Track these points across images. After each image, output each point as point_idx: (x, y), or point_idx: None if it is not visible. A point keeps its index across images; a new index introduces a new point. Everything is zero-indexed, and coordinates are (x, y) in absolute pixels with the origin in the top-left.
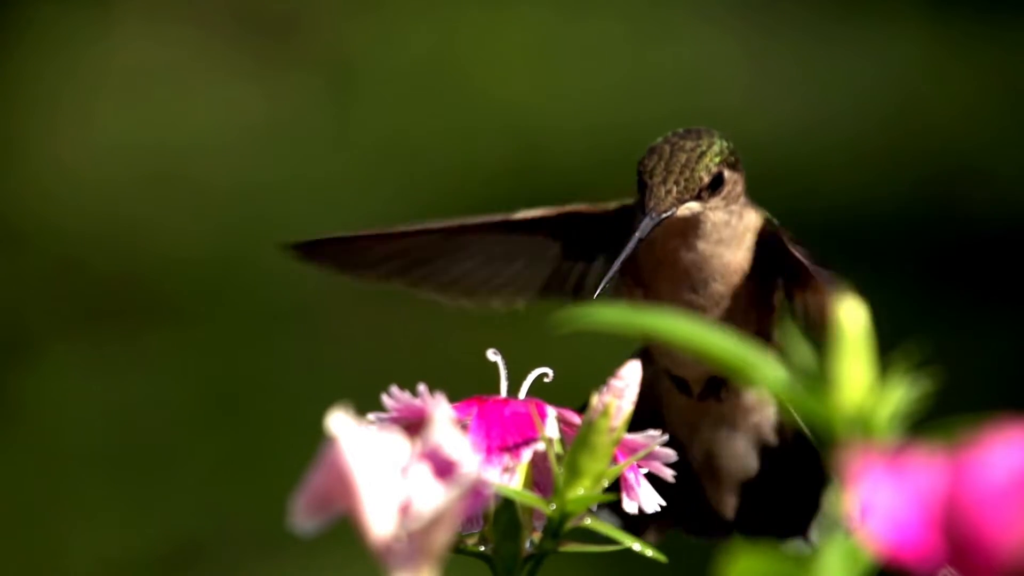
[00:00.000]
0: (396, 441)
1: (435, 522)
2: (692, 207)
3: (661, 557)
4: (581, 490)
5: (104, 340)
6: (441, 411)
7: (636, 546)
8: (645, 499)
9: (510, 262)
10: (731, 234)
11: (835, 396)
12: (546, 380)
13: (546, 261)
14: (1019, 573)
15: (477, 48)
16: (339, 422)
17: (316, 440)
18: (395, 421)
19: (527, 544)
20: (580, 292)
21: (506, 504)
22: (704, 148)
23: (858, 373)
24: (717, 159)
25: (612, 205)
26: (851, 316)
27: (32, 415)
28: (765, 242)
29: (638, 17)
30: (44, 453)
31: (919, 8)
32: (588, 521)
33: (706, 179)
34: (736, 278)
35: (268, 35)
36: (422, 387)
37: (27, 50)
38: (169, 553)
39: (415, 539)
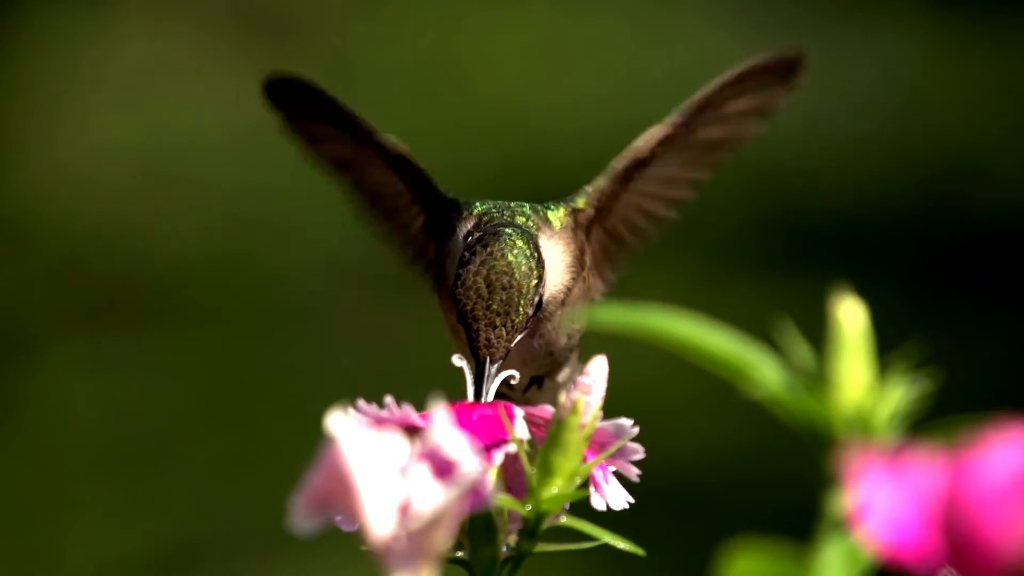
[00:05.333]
0: (396, 441)
1: (435, 522)
2: (519, 338)
3: (639, 551)
4: (555, 489)
5: (104, 340)
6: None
7: (614, 542)
8: (613, 497)
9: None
10: (556, 307)
11: (835, 396)
12: (512, 382)
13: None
14: (1019, 573)
15: (477, 48)
16: (338, 422)
17: (316, 440)
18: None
19: (503, 547)
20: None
21: None
22: (520, 280)
23: (857, 373)
24: (535, 283)
25: (445, 194)
26: (850, 316)
27: (32, 415)
28: (578, 252)
29: (638, 17)
30: (44, 453)
31: (919, 8)
32: (564, 520)
33: (530, 312)
34: (561, 311)
35: (268, 35)
36: (389, 399)
37: (27, 50)
38: (169, 553)
39: (415, 539)
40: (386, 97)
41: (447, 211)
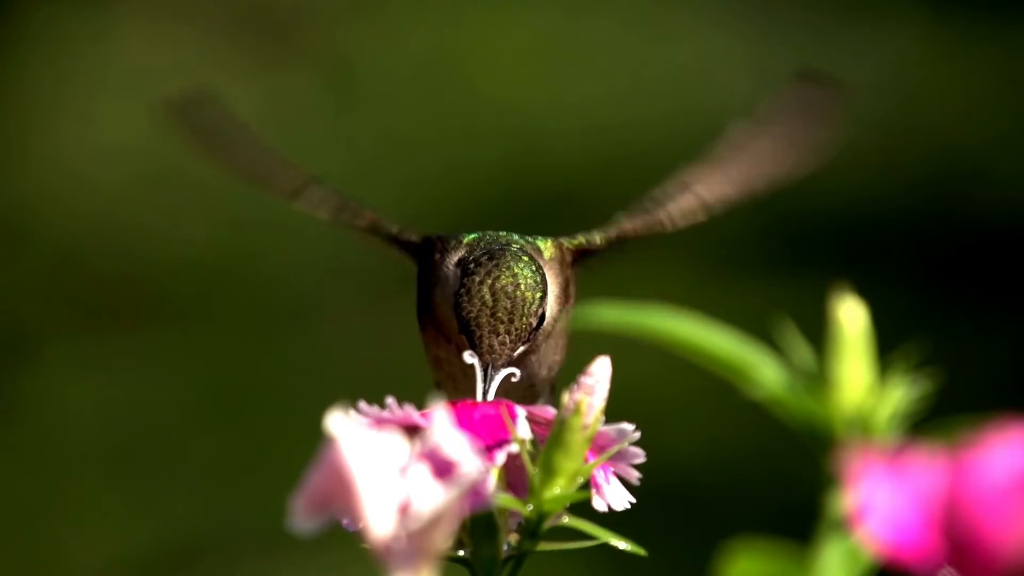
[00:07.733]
0: (395, 441)
1: (434, 522)
2: (522, 348)
3: (640, 551)
4: (557, 489)
5: (103, 340)
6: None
7: (615, 542)
8: (614, 498)
9: None
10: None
11: (835, 396)
12: (513, 379)
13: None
14: (1019, 573)
15: (477, 48)
16: (338, 422)
17: (315, 440)
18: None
19: (505, 546)
20: None
21: None
22: (526, 290)
23: (858, 373)
24: (539, 295)
25: (415, 236)
26: (851, 316)
27: (32, 415)
28: (566, 274)
29: (638, 17)
30: (44, 453)
31: (918, 8)
32: (566, 520)
33: (533, 323)
34: (553, 336)
35: (268, 35)
36: (390, 400)
37: (27, 50)
38: (169, 553)
39: (414, 539)
40: (386, 97)
41: (423, 248)
